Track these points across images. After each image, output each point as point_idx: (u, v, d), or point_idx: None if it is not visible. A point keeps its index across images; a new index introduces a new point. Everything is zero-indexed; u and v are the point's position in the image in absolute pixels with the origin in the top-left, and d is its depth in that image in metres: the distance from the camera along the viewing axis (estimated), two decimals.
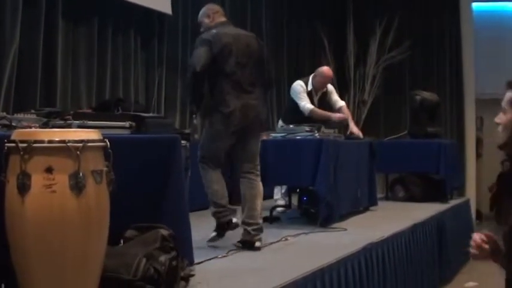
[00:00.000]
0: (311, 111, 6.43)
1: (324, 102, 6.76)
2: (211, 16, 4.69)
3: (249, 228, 4.45)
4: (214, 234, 4.52)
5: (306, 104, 6.48)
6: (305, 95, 6.55)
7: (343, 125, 6.90)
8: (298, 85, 6.62)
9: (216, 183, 4.53)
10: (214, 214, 4.52)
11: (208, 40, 4.44)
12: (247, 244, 4.42)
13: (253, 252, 4.32)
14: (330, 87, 6.83)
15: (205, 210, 5.25)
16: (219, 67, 4.43)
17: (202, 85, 4.47)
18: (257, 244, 4.44)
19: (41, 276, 2.40)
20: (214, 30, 4.55)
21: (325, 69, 6.73)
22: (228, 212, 4.51)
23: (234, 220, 4.51)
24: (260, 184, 4.64)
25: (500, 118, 2.29)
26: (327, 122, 6.31)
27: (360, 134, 6.69)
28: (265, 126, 4.93)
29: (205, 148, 4.54)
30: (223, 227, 4.50)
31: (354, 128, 6.66)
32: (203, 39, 4.48)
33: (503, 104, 2.30)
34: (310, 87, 6.60)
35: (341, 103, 6.86)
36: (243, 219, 4.49)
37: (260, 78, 4.65)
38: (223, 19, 4.73)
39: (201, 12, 4.80)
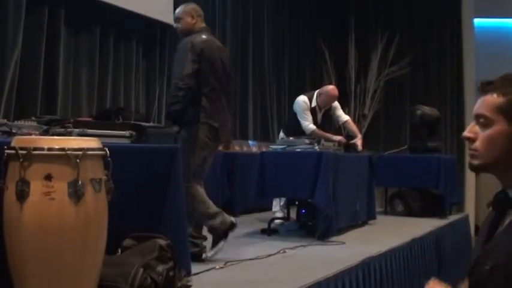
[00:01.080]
0: (313, 132, 6.44)
1: (327, 117, 6.76)
2: (195, 18, 4.49)
3: (198, 241, 4.34)
4: (222, 243, 4.33)
5: (308, 125, 6.47)
6: (308, 113, 6.53)
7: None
8: (302, 101, 6.57)
9: (202, 196, 4.37)
10: (213, 224, 4.34)
11: (199, 48, 4.29)
12: (196, 257, 4.21)
13: (250, 264, 4.30)
14: (335, 104, 6.81)
15: None
16: (205, 78, 4.32)
17: (189, 98, 4.26)
18: (204, 256, 4.33)
19: (38, 283, 2.39)
20: (203, 36, 4.40)
21: (331, 89, 6.68)
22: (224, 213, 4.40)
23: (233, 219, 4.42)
24: None
25: (471, 131, 1.74)
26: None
27: (359, 148, 6.66)
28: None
29: (195, 166, 4.31)
30: (226, 230, 4.35)
31: (358, 141, 6.64)
32: (191, 46, 4.27)
33: (486, 111, 1.71)
34: (314, 104, 6.58)
35: (345, 118, 6.84)
36: (191, 233, 4.24)
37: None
38: (204, 25, 4.53)
39: (182, 9, 4.56)
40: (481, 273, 1.60)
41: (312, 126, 6.46)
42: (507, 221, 1.67)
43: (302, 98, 6.61)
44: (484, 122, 1.71)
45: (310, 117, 6.52)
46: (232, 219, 4.42)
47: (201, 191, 4.38)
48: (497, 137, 1.68)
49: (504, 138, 1.68)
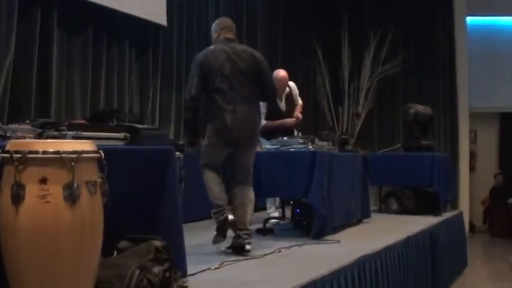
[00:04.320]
0: (263, 126, 6.46)
1: (291, 103, 6.85)
2: (218, 31, 4.87)
3: (240, 233, 4.58)
4: (215, 233, 4.62)
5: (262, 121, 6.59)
6: (264, 110, 6.55)
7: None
8: None
9: (212, 182, 4.68)
10: (213, 214, 4.64)
11: (200, 60, 4.68)
12: (238, 248, 4.56)
13: (246, 264, 4.31)
14: (292, 85, 6.89)
15: (199, 221, 5.25)
16: (211, 84, 4.65)
17: (198, 110, 4.68)
18: (247, 247, 4.57)
19: (35, 286, 2.39)
20: (211, 47, 4.77)
21: (276, 72, 6.64)
22: (224, 211, 4.58)
23: (230, 217, 4.56)
24: (252, 192, 4.79)
25: None
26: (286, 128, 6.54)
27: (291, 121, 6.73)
28: (257, 138, 5.13)
29: (203, 157, 4.74)
30: (220, 226, 4.59)
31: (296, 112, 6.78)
32: (195, 60, 4.74)
33: None
34: None
35: (299, 102, 6.96)
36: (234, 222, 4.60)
37: (255, 92, 4.81)
38: (228, 35, 4.87)
39: (212, 26, 4.99)
40: None
41: (263, 122, 6.52)
42: None
43: None
44: None
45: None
46: (231, 217, 4.57)
47: (211, 178, 4.68)
48: None
49: None
